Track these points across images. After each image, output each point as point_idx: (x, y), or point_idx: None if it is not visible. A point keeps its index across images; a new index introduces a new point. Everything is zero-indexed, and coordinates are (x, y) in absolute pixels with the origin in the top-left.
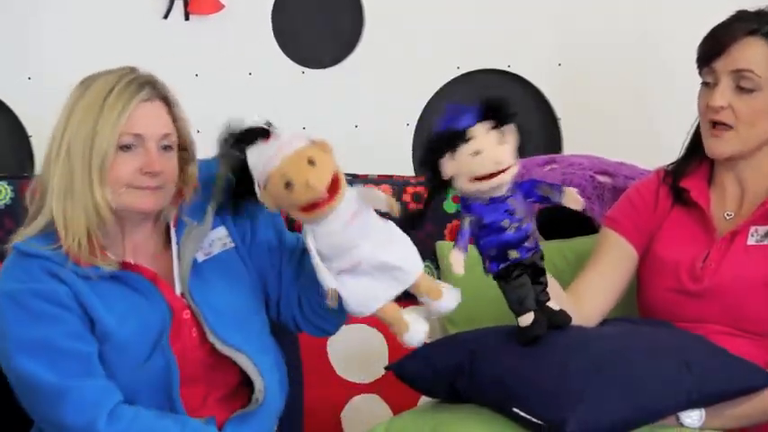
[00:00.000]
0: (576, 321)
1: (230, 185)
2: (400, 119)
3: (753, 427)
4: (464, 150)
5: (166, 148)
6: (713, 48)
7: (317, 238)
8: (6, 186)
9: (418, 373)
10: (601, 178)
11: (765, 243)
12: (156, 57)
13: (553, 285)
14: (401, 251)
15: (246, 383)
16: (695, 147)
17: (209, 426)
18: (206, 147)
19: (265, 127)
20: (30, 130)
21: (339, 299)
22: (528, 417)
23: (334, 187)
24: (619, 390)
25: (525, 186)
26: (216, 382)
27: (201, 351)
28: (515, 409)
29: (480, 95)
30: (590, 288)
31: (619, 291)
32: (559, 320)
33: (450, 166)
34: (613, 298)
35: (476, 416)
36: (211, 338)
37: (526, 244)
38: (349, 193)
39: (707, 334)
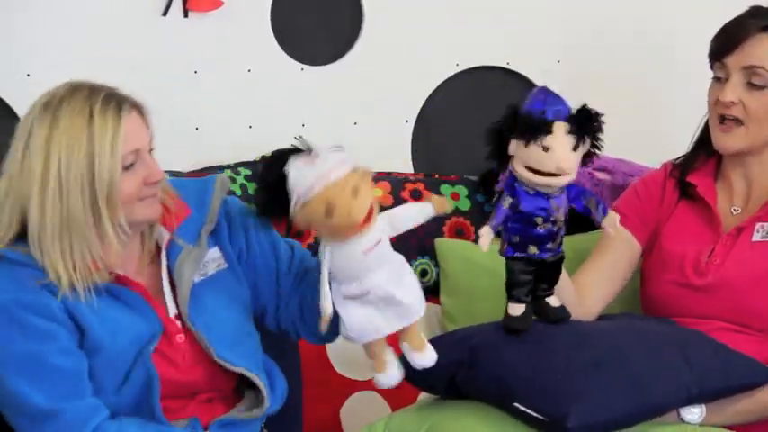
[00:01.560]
0: (576, 311)
1: (261, 199)
2: (399, 116)
3: (754, 424)
4: (537, 139)
5: (150, 152)
6: (725, 43)
7: (333, 259)
8: None
9: (418, 370)
10: (600, 175)
11: None
12: (155, 54)
13: (564, 279)
14: (411, 289)
15: (235, 391)
16: (703, 142)
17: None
18: (204, 143)
19: (308, 147)
20: None
21: (334, 322)
22: (529, 412)
23: (368, 217)
24: (620, 385)
25: (574, 191)
26: (207, 390)
27: (194, 373)
28: (516, 405)
29: (517, 101)
30: (592, 279)
31: (620, 282)
32: (555, 316)
33: (517, 145)
34: (614, 289)
35: (475, 412)
36: (218, 360)
37: (549, 245)
38: (379, 221)
39: (710, 330)
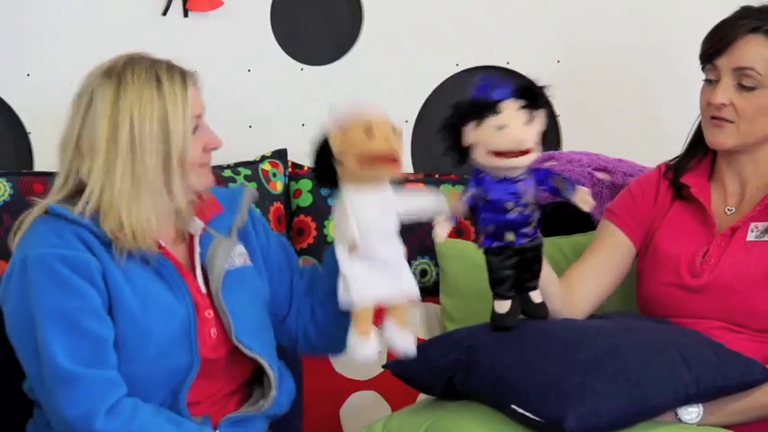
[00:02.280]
0: (564, 309)
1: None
2: (399, 116)
3: (751, 423)
4: (490, 121)
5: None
6: (715, 45)
7: (354, 208)
8: (5, 183)
9: (415, 371)
10: (599, 175)
11: (765, 239)
12: (155, 53)
13: (548, 272)
14: (408, 271)
15: (247, 385)
16: (697, 143)
17: (203, 427)
18: None
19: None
20: (29, 127)
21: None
22: (527, 414)
23: (396, 161)
24: (617, 386)
25: (540, 174)
26: (223, 380)
27: (217, 352)
28: (514, 407)
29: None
30: (582, 277)
31: (611, 283)
32: (535, 312)
33: (472, 134)
34: (605, 290)
35: (473, 412)
36: (237, 343)
37: (524, 230)
38: (393, 193)
39: (705, 330)
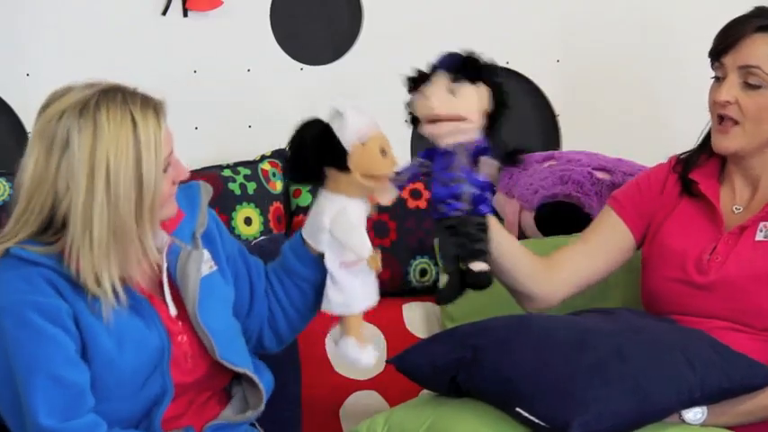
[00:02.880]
0: (538, 288)
1: (311, 150)
2: (398, 115)
3: (755, 425)
4: (422, 90)
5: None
6: (723, 43)
7: (339, 220)
8: (5, 183)
9: (419, 367)
10: (599, 175)
11: None
12: (155, 53)
13: (514, 248)
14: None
15: (226, 388)
16: (708, 140)
17: None
18: (204, 143)
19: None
20: (28, 128)
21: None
22: (531, 418)
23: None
24: (622, 391)
25: (477, 149)
26: (204, 392)
27: (194, 375)
28: (519, 410)
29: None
30: (568, 259)
31: (599, 270)
32: (473, 281)
33: (412, 102)
34: (590, 276)
35: (476, 411)
36: (220, 359)
37: (454, 202)
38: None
39: (710, 328)
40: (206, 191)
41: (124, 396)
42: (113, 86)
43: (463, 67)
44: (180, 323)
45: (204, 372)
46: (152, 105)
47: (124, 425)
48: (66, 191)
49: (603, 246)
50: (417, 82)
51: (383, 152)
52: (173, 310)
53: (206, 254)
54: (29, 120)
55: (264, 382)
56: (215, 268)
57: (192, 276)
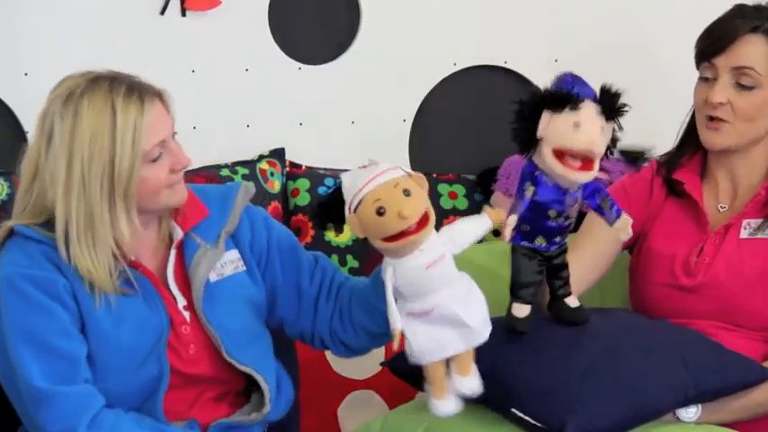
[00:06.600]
0: (539, 298)
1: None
2: (397, 115)
3: (749, 421)
4: (568, 115)
5: (174, 136)
6: (714, 44)
7: (396, 274)
8: (3, 183)
9: (413, 370)
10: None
11: (758, 236)
12: (153, 53)
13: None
14: (477, 311)
15: (243, 392)
16: (688, 138)
17: (187, 430)
18: (202, 142)
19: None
20: (27, 127)
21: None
22: (527, 419)
23: (422, 222)
24: (617, 391)
25: (590, 187)
26: (211, 387)
27: (198, 367)
28: (514, 411)
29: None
30: (570, 263)
31: (594, 273)
32: (572, 317)
33: (547, 122)
34: (586, 278)
35: (471, 413)
36: (228, 358)
37: (557, 239)
38: (436, 237)
39: (700, 329)
40: (245, 192)
41: (121, 375)
42: (105, 75)
43: (611, 104)
44: (186, 314)
45: (209, 366)
46: (137, 92)
47: (125, 409)
48: (52, 179)
49: (597, 252)
50: (557, 102)
51: (380, 212)
52: (181, 301)
53: (231, 254)
54: (27, 119)
55: (284, 394)
56: (242, 269)
57: (200, 275)
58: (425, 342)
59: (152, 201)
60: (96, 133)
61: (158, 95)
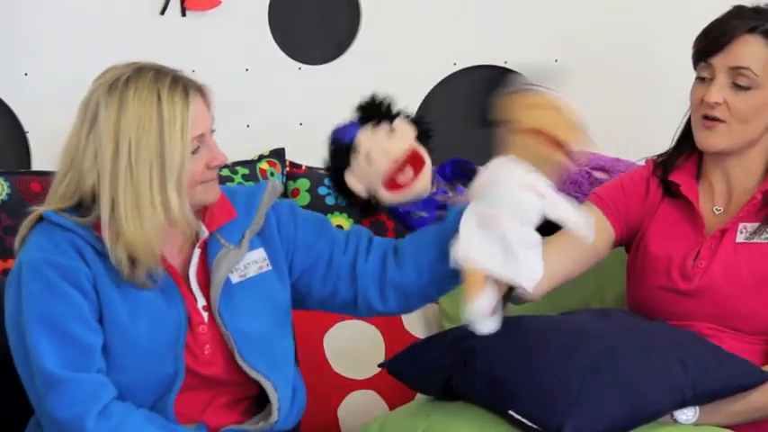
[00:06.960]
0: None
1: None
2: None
3: (746, 424)
4: (359, 160)
5: (212, 133)
6: (712, 44)
7: (501, 174)
8: (3, 182)
9: (411, 371)
10: (597, 174)
11: (754, 240)
12: (153, 53)
13: None
14: (532, 269)
15: (258, 399)
16: (684, 140)
17: None
18: None
19: None
20: (26, 127)
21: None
22: (524, 421)
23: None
24: (615, 393)
25: (448, 169)
26: (225, 391)
27: (212, 368)
28: (511, 412)
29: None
30: (550, 254)
31: (580, 263)
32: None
33: (352, 179)
34: (567, 272)
35: (471, 415)
36: (239, 361)
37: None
38: (554, 190)
39: (697, 331)
40: (272, 191)
41: (135, 368)
42: (150, 65)
43: (374, 112)
44: (204, 314)
45: (223, 368)
46: (181, 84)
47: (136, 405)
48: (94, 163)
49: (585, 244)
50: (343, 160)
51: (558, 114)
52: (200, 301)
53: (256, 254)
54: (27, 119)
55: (297, 404)
56: (267, 269)
57: (220, 275)
58: (478, 247)
59: (189, 196)
60: (143, 120)
61: (200, 90)
